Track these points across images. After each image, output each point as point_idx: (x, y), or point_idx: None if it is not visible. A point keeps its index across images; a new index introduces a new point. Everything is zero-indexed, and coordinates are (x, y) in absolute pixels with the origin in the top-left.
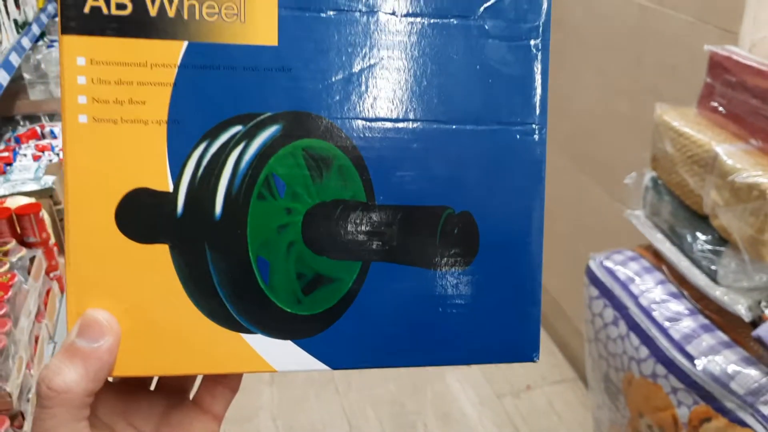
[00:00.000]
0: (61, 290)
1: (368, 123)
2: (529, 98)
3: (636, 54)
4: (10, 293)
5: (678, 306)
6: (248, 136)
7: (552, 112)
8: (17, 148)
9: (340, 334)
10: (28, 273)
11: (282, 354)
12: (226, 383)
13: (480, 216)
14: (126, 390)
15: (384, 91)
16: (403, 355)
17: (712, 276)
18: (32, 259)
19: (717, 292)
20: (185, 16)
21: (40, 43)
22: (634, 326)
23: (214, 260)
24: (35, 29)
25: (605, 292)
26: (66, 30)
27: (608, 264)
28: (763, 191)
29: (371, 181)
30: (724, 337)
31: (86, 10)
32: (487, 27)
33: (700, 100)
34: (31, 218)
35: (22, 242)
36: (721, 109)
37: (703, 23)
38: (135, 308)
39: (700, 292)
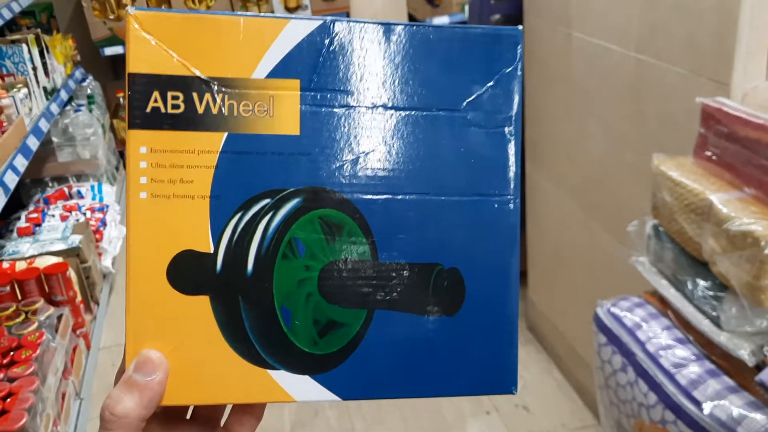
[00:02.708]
0: (87, 347)
1: (373, 196)
2: (504, 174)
3: (637, 106)
4: (38, 351)
5: (684, 351)
6: (275, 207)
7: (561, 162)
8: (46, 209)
9: (350, 370)
10: (56, 331)
11: (301, 387)
12: (252, 412)
13: (466, 271)
14: (167, 418)
15: (384, 171)
16: (403, 388)
17: (716, 321)
18: (59, 317)
19: (721, 337)
20: (225, 113)
21: (68, 107)
22: (641, 372)
23: (246, 309)
24: (63, 95)
25: (613, 339)
26: (132, 126)
27: (615, 311)
28: (756, 238)
29: (375, 243)
30: (730, 381)
31: (148, 109)
32: (468, 117)
33: (695, 149)
34: (59, 277)
35: (50, 301)
36: (715, 158)
37: (696, 76)
38: (180, 348)
39: (705, 337)
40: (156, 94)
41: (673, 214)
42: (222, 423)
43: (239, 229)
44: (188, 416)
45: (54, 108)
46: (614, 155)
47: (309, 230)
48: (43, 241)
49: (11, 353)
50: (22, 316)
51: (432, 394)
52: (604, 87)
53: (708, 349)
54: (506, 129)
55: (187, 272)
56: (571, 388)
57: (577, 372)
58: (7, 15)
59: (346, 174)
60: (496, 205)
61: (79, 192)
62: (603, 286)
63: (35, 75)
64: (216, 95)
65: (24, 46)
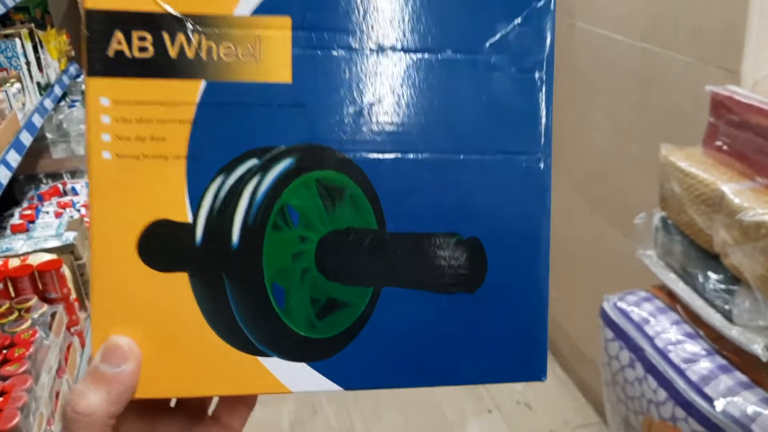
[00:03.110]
0: (82, 345)
1: (379, 155)
2: (533, 128)
3: (642, 96)
4: (31, 349)
5: (694, 346)
6: (263, 169)
7: (565, 154)
8: (40, 206)
9: (353, 356)
10: (50, 329)
11: (297, 375)
12: (243, 400)
13: (488, 241)
14: (147, 409)
15: (393, 125)
16: (415, 376)
17: (727, 315)
18: (53, 315)
19: (733, 332)
20: (204, 57)
21: (62, 103)
22: (650, 368)
23: (231, 287)
24: (57, 90)
25: (620, 334)
26: (91, 72)
27: (622, 305)
28: None
29: (382, 209)
30: (743, 377)
31: (110, 53)
32: (492, 61)
33: (704, 139)
34: (53, 274)
35: (44, 298)
36: (725, 148)
37: (704, 64)
38: (156, 334)
39: (716, 331)
40: (119, 34)
41: (683, 206)
42: (210, 412)
43: (222, 195)
44: (172, 405)
45: (48, 103)
46: (619, 147)
47: (304, 196)
48: (37, 238)
49: (4, 351)
50: (15, 314)
51: (448, 382)
52: (608, 77)
53: (719, 344)
54: (536, 74)
55: (162, 246)
56: (574, 385)
57: (580, 369)
58: (1, 9)
59: (348, 129)
60: (524, 164)
61: (73, 188)
62: (608, 280)
63: (29, 70)
64: (191, 36)
65: (17, 40)
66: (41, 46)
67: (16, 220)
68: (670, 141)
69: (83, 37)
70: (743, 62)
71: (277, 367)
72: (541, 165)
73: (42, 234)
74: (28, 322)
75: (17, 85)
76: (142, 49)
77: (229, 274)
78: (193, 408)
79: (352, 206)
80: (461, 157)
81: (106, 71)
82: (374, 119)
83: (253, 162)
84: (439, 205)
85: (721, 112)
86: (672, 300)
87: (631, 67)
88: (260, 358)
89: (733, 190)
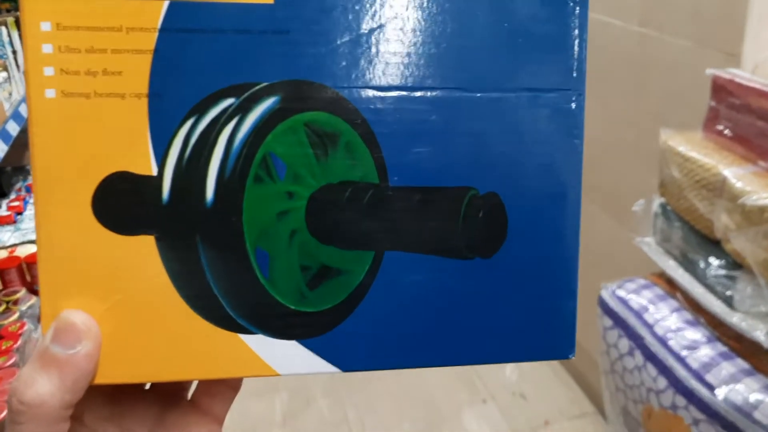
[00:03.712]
0: None
1: (379, 92)
2: (565, 60)
3: (638, 82)
4: (19, 342)
5: (695, 334)
6: (242, 110)
7: None
8: (28, 198)
9: (351, 332)
10: (38, 321)
11: (285, 356)
12: (225, 381)
13: (508, 197)
14: (116, 392)
15: (397, 55)
16: (422, 355)
17: (728, 302)
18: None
19: (734, 318)
20: None
21: None
22: (650, 356)
23: (206, 252)
24: None
25: (619, 322)
26: None
27: (621, 293)
28: None
29: (384, 159)
30: (745, 364)
31: None
32: None
33: (705, 123)
34: None
35: (32, 290)
36: (727, 132)
37: (703, 48)
38: (118, 308)
39: (717, 318)
40: None
41: (683, 191)
42: (189, 396)
43: (192, 142)
44: (146, 387)
45: None
46: (614, 134)
47: (291, 142)
48: (25, 229)
49: None
50: (3, 306)
51: (461, 361)
52: (602, 63)
53: (720, 330)
54: None
55: (122, 203)
56: (569, 375)
57: (576, 359)
58: None
59: (342, 61)
60: (552, 104)
61: None
62: (602, 270)
63: (15, 59)
64: None
65: (3, 29)
66: None
67: (3, 211)
68: (666, 126)
69: None
70: (744, 45)
71: (262, 345)
72: (573, 105)
73: (30, 226)
74: (16, 315)
75: (3, 74)
76: None
77: (204, 237)
78: (168, 391)
79: (347, 155)
80: (478, 95)
81: None
82: (374, 49)
83: (229, 101)
84: (451, 154)
85: (722, 95)
86: (671, 287)
87: (627, 52)
88: (242, 336)
89: (735, 174)
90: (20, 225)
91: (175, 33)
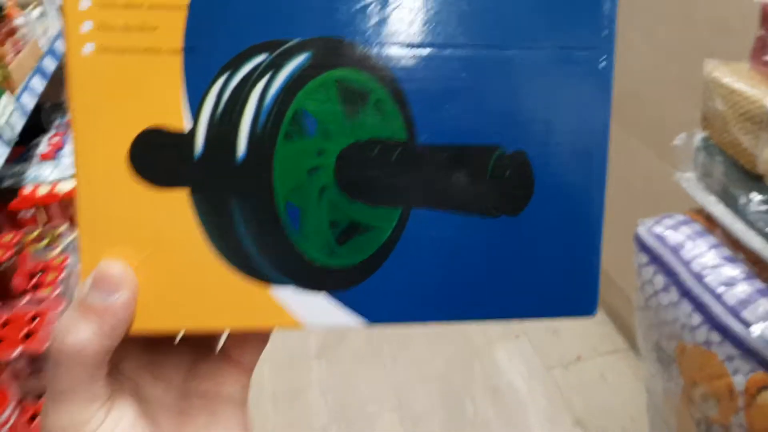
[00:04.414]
0: None
1: (409, 50)
2: (595, 18)
3: (684, 11)
4: (63, 274)
5: (732, 270)
6: (274, 66)
7: None
8: (67, 134)
9: (378, 286)
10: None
11: (312, 308)
12: (255, 334)
13: (535, 155)
14: (150, 342)
15: (427, 13)
16: (447, 310)
17: None
18: None
19: None
20: None
21: None
22: (685, 292)
23: (237, 206)
24: None
25: (655, 259)
26: None
27: (658, 229)
28: None
29: (413, 117)
30: None
31: None
32: None
33: (752, 54)
34: None
35: (75, 224)
36: None
37: None
38: (153, 259)
39: (756, 255)
40: None
41: (726, 125)
42: (219, 347)
43: (225, 97)
44: (176, 341)
45: None
46: (657, 66)
47: (321, 99)
48: (66, 165)
49: (37, 275)
50: (47, 240)
51: (485, 316)
52: None
53: (758, 267)
54: None
55: (156, 157)
56: (603, 311)
57: (609, 296)
58: None
59: (373, 18)
60: (581, 62)
61: None
62: (640, 205)
63: None
64: None
65: None
66: None
67: (44, 148)
68: (714, 58)
69: None
70: None
71: (290, 297)
72: (603, 63)
73: (70, 161)
74: (60, 248)
75: (39, 9)
76: None
77: (235, 192)
78: (199, 341)
79: (377, 113)
80: (507, 52)
81: None
82: (404, 5)
83: (262, 57)
84: (479, 112)
85: None
86: (710, 224)
87: None
88: (271, 287)
89: None
90: (61, 161)
91: None
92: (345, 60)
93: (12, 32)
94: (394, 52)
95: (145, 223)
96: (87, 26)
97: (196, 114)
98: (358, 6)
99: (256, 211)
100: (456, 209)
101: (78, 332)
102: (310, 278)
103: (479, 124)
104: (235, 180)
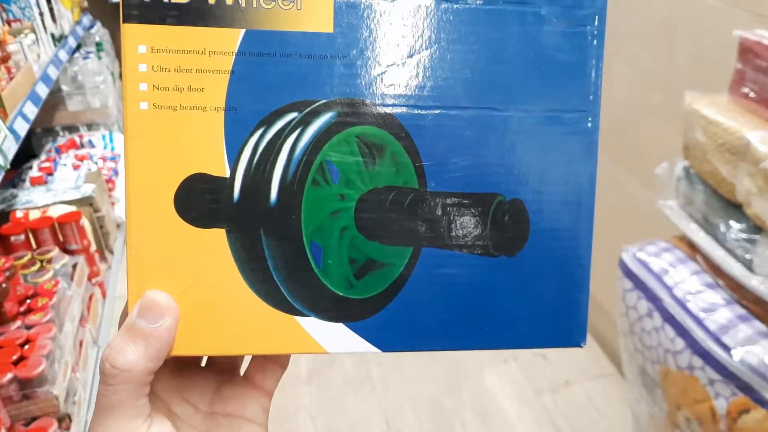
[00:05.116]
0: (103, 295)
1: (422, 110)
2: (583, 85)
3: (667, 43)
4: (54, 299)
5: (714, 296)
6: (303, 123)
7: None
8: (58, 159)
9: (391, 318)
10: (71, 279)
11: (334, 336)
12: (276, 360)
13: (531, 203)
14: (180, 367)
15: (437, 79)
16: (453, 339)
17: (748, 265)
18: (75, 266)
19: (753, 282)
20: (243, 4)
21: (77, 55)
22: (669, 318)
23: (269, 244)
24: (71, 42)
25: (639, 284)
26: (127, 19)
27: (641, 256)
28: None
29: (424, 167)
30: (762, 326)
31: None
32: (542, 13)
33: (731, 86)
34: (73, 226)
35: (65, 249)
36: (752, 95)
37: (732, 8)
38: (192, 290)
39: (736, 281)
40: None
41: (706, 155)
42: (242, 372)
43: (261, 149)
44: (203, 364)
45: (62, 55)
46: (641, 96)
47: (344, 151)
48: (56, 190)
49: (28, 301)
50: (38, 265)
51: (486, 346)
52: (632, 24)
53: (739, 293)
54: (588, 28)
55: (199, 200)
56: (590, 336)
57: (597, 320)
58: None
59: (390, 83)
60: (571, 123)
61: (90, 141)
62: (626, 232)
63: (42, 21)
64: None
65: None
66: None
67: (34, 172)
68: (695, 89)
69: None
70: None
71: (313, 327)
72: (590, 124)
73: (61, 186)
74: (50, 273)
75: (31, 36)
76: None
77: (267, 231)
78: (224, 367)
79: (392, 164)
80: (507, 113)
81: (143, 17)
82: (417, 72)
83: (293, 115)
84: (482, 165)
85: (749, 57)
86: (692, 250)
87: (656, 12)
88: (297, 318)
89: (759, 137)
90: (51, 186)
91: (249, 56)
92: (365, 118)
93: (5, 59)
94: (408, 112)
95: (187, 258)
96: (143, 87)
97: (234, 163)
98: (377, 72)
99: (285, 249)
100: (461, 249)
101: (127, 354)
102: (331, 310)
103: (482, 175)
104: (268, 221)
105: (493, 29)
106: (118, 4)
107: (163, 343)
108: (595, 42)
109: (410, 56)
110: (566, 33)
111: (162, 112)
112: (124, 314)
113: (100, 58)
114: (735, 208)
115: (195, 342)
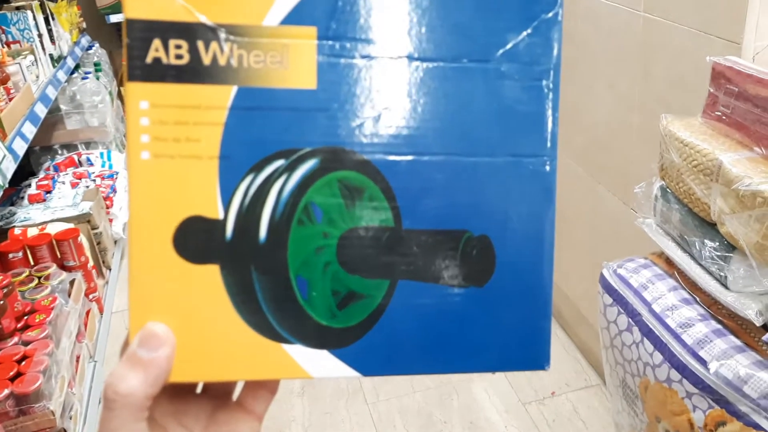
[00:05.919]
0: (100, 311)
1: (396, 157)
2: (541, 133)
3: (644, 66)
4: (51, 315)
5: (690, 312)
6: (290, 169)
7: (566, 124)
8: (56, 176)
9: (371, 344)
10: (69, 295)
11: (318, 362)
12: (266, 386)
13: (496, 239)
14: (177, 393)
15: (410, 129)
16: (428, 364)
17: (723, 282)
18: (72, 282)
19: (728, 298)
20: (235, 64)
21: (75, 75)
22: (647, 332)
23: (258, 279)
24: (70, 62)
25: (619, 300)
26: (131, 77)
27: (621, 272)
28: (766, 198)
29: (399, 208)
30: (737, 341)
31: (148, 60)
32: (503, 69)
33: (704, 109)
34: (70, 243)
35: (62, 266)
36: (724, 118)
37: (706, 34)
38: (189, 321)
39: (712, 297)
40: (157, 42)
41: (681, 175)
42: (235, 397)
43: (251, 193)
44: (198, 391)
45: (61, 75)
46: (620, 117)
47: (327, 194)
48: (54, 207)
49: (25, 317)
50: (35, 282)
51: (458, 369)
52: (610, 48)
53: (714, 309)
54: (544, 82)
55: (195, 239)
56: (576, 348)
57: (581, 333)
58: None
59: (368, 132)
60: (530, 167)
61: (88, 159)
62: (608, 248)
63: (41, 42)
64: (223, 44)
65: (29, 12)
66: (53, 18)
67: (33, 190)
68: (671, 111)
69: (124, 44)
70: (745, 33)
71: (299, 354)
72: (547, 167)
73: (59, 204)
74: (48, 289)
75: (30, 57)
76: (179, 57)
77: (257, 267)
78: (218, 393)
79: (370, 205)
80: (473, 159)
81: (145, 76)
82: (392, 123)
83: (280, 162)
84: (451, 205)
85: (721, 82)
86: (670, 267)
87: (633, 37)
88: (284, 345)
89: (731, 159)
90: (49, 203)
91: (240, 110)
92: (345, 164)
93: (4, 80)
94: (384, 158)
95: (184, 292)
96: (145, 138)
97: (227, 206)
98: (356, 123)
99: (273, 282)
100: (434, 281)
101: (128, 380)
102: (315, 338)
103: (451, 214)
104: (257, 257)
105: (460, 84)
106: (115, 24)
107: (162, 371)
108: (551, 95)
109: (386, 108)
110: (525, 87)
111: (162, 161)
112: (126, 345)
113: (98, 78)
114: (710, 227)
115: (191, 369)
